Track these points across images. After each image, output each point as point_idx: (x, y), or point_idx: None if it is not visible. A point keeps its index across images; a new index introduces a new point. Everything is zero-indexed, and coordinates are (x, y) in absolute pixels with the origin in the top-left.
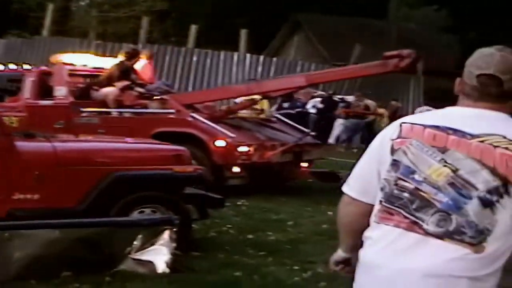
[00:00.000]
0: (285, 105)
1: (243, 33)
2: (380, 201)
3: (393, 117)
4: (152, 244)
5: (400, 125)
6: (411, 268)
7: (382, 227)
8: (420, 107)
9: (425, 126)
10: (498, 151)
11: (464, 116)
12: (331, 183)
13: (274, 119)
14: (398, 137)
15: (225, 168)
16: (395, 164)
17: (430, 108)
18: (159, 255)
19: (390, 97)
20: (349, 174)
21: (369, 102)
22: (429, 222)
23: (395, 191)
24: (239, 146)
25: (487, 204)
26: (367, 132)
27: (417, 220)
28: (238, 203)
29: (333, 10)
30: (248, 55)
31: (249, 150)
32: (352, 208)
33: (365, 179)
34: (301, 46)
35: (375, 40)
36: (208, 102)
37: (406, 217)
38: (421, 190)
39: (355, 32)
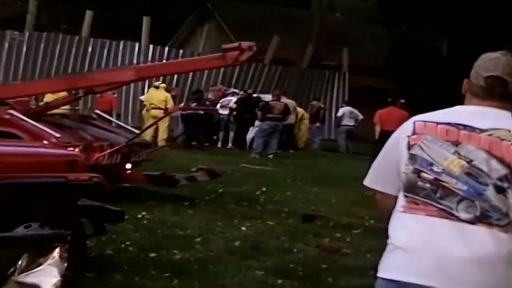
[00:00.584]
0: (193, 104)
1: (146, 20)
2: (404, 193)
3: (315, 119)
4: (40, 264)
5: (414, 123)
6: (454, 253)
7: (413, 216)
8: (343, 108)
9: (437, 123)
10: (505, 143)
11: (472, 113)
12: (168, 188)
13: (95, 116)
14: (414, 134)
15: None
16: (412, 157)
17: (353, 110)
18: (48, 277)
19: (312, 95)
20: (191, 178)
21: (289, 101)
22: (459, 209)
23: (419, 183)
24: (64, 147)
25: (500, 190)
26: (285, 136)
27: (445, 208)
28: (139, 216)
29: None
30: (151, 46)
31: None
32: (388, 201)
33: (384, 173)
34: (212, 36)
35: (296, 31)
36: (25, 96)
37: (434, 206)
38: (441, 180)
39: (273, 22)
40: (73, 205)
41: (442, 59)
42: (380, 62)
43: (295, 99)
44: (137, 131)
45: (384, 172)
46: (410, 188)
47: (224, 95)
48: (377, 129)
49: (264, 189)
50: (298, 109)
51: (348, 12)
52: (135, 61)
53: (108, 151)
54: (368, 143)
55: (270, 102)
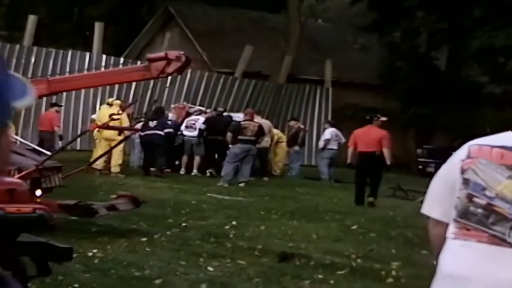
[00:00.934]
0: (151, 124)
1: (98, 26)
2: (455, 219)
3: (293, 141)
4: None
5: (469, 147)
6: (505, 280)
7: (463, 243)
8: (329, 129)
9: (492, 146)
10: None
11: None
12: (85, 218)
13: None
14: (467, 158)
15: None
16: (466, 182)
17: (338, 132)
18: None
19: (290, 114)
20: (111, 206)
21: (263, 121)
22: (511, 234)
23: (471, 208)
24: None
25: None
26: (259, 161)
27: (497, 234)
28: (89, 253)
29: (217, 0)
30: (104, 56)
31: None
32: (440, 230)
33: (442, 200)
34: (174, 45)
35: (271, 40)
36: None
37: (485, 232)
38: (494, 205)
39: (245, 30)
40: (13, 242)
41: (440, 71)
42: (369, 75)
43: (271, 119)
44: (49, 153)
45: (442, 198)
46: (462, 214)
47: (188, 114)
48: (350, 150)
49: (234, 223)
50: (274, 130)
51: (331, 18)
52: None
53: (16, 176)
54: (349, 169)
55: (242, 123)
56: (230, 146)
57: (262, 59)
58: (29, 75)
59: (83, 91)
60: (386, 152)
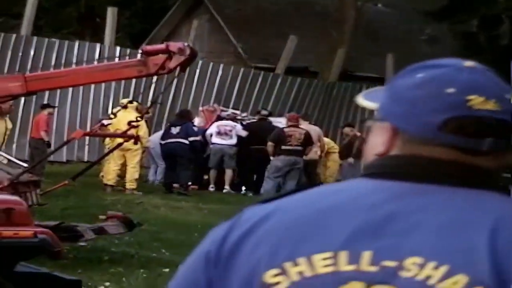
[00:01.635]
0: (174, 130)
1: (111, 12)
2: None
3: (347, 152)
4: None
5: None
6: None
7: None
8: None
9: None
10: None
11: None
12: (68, 242)
13: None
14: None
15: None
16: None
17: None
18: None
19: (343, 119)
20: (99, 229)
21: (312, 128)
22: None
23: None
24: None
25: None
26: (307, 176)
27: None
28: (101, 287)
29: None
30: (117, 48)
31: None
32: None
33: None
34: (204, 35)
35: (321, 29)
36: None
37: None
38: None
39: (288, 17)
40: (8, 272)
41: None
42: None
43: (320, 125)
44: (25, 165)
45: None
46: None
47: (220, 119)
48: None
49: None
50: (325, 139)
51: (394, 3)
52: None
53: None
54: None
55: (285, 129)
56: (272, 158)
57: (309, 52)
58: (28, 68)
59: (91, 90)
60: None
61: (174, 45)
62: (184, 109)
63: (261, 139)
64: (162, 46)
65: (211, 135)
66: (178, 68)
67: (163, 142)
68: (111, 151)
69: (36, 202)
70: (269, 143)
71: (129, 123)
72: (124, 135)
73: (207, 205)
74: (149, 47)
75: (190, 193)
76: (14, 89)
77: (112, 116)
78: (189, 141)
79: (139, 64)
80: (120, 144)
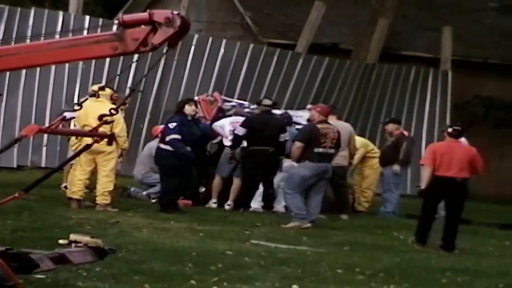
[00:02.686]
0: (171, 125)
1: None
2: None
3: (390, 157)
4: None
5: None
6: None
7: None
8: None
9: None
10: None
11: None
12: (19, 273)
13: None
14: None
15: None
16: None
17: (466, 142)
18: None
19: (385, 114)
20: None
21: (340, 124)
22: None
23: None
24: None
25: None
26: (331, 189)
27: None
28: None
29: None
30: (86, 18)
31: None
32: None
33: None
34: (201, 1)
35: None
36: None
37: None
38: None
39: None
40: None
41: None
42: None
43: (353, 120)
44: None
45: None
46: None
47: (221, 111)
48: (425, 172)
49: (295, 287)
50: (360, 139)
51: None
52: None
53: None
54: (485, 202)
55: (319, 126)
56: (294, 164)
57: (340, 25)
58: None
59: (51, 74)
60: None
61: (159, 14)
62: (180, 101)
63: (265, 138)
64: (144, 15)
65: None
66: (165, 45)
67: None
68: (77, 154)
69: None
70: (298, 144)
71: (101, 117)
72: (94, 133)
73: (204, 226)
74: (127, 17)
75: (182, 208)
76: None
77: (77, 107)
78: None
79: (113, 39)
80: (89, 146)
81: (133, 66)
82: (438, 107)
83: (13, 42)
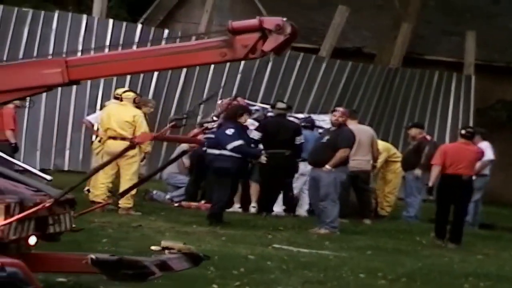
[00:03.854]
0: (230, 132)
1: None
2: None
3: (412, 161)
4: None
5: None
6: None
7: None
8: (482, 143)
9: None
10: None
11: None
12: (132, 281)
13: None
14: None
15: None
16: None
17: (490, 147)
18: None
19: (408, 118)
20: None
21: (361, 128)
22: None
23: None
24: None
25: None
26: (355, 192)
27: None
28: None
29: None
30: (110, 22)
31: None
32: None
33: None
34: (224, 6)
35: (379, 0)
36: None
37: None
38: None
39: None
40: None
41: None
42: None
43: (376, 125)
44: (49, 178)
45: None
46: None
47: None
48: (434, 171)
49: None
50: (383, 143)
51: None
52: (79, 49)
53: (20, 215)
54: (508, 207)
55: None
56: (331, 168)
57: (364, 29)
58: None
59: None
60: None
61: (269, 21)
62: (239, 108)
63: (280, 142)
64: (253, 21)
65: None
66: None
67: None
68: (116, 157)
69: (69, 227)
70: (348, 151)
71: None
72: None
73: (226, 230)
74: (237, 23)
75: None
76: (51, 78)
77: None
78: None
79: (222, 45)
80: (130, 147)
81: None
82: (461, 112)
83: (81, 51)
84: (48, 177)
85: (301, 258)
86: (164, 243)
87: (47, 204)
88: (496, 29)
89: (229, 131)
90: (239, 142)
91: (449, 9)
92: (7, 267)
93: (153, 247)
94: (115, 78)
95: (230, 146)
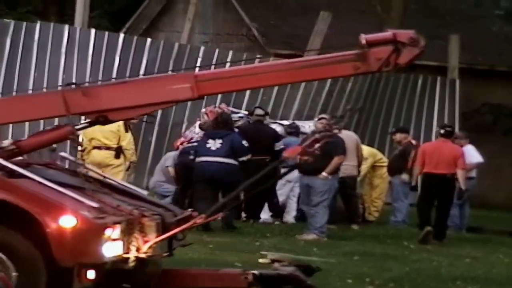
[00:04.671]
0: (213, 144)
1: None
2: None
3: (398, 166)
4: None
5: None
6: None
7: None
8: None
9: None
10: None
11: None
12: None
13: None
14: None
15: (75, 275)
16: None
17: (475, 150)
18: None
19: (393, 123)
20: None
21: (347, 134)
22: None
23: None
24: (105, 226)
25: None
26: (342, 198)
27: None
28: None
29: None
30: (92, 31)
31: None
32: None
33: None
34: (207, 13)
35: (362, 2)
36: None
37: None
38: None
39: None
40: None
41: None
42: None
43: (361, 130)
44: (141, 190)
45: None
46: None
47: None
48: (415, 171)
49: None
50: (367, 148)
51: None
52: (62, 59)
53: (174, 231)
54: (495, 210)
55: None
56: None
57: (347, 34)
58: None
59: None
60: (460, 174)
61: (403, 34)
62: (224, 113)
63: (260, 148)
64: (387, 35)
65: None
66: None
67: (197, 159)
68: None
69: (186, 242)
70: (343, 158)
71: None
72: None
73: (213, 238)
74: (370, 37)
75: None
76: (181, 93)
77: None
78: (239, 162)
79: (355, 59)
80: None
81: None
82: (447, 116)
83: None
84: (142, 191)
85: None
86: (271, 256)
87: (199, 221)
88: (479, 32)
89: (245, 143)
90: (250, 156)
91: (432, 13)
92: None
93: (261, 260)
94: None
95: (245, 158)
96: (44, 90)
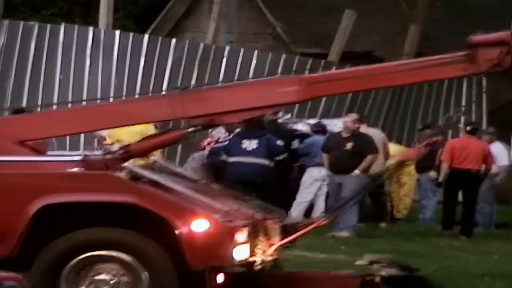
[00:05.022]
0: (248, 145)
1: None
2: None
3: (426, 163)
4: None
5: None
6: None
7: None
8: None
9: None
10: None
11: None
12: None
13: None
14: None
15: (207, 278)
16: None
17: (506, 148)
18: None
19: (421, 121)
20: None
21: (372, 132)
22: None
23: None
24: (235, 230)
25: None
26: (369, 197)
27: None
28: None
29: None
30: (116, 33)
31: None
32: None
33: None
34: (231, 13)
35: (387, 1)
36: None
37: None
38: None
39: None
40: None
41: None
42: None
43: (389, 127)
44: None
45: None
46: None
47: None
48: (443, 166)
49: None
50: (394, 146)
51: None
52: (87, 62)
53: (298, 233)
54: None
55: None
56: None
57: (372, 33)
58: None
59: (84, 87)
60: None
61: None
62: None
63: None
64: (498, 36)
65: None
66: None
67: (230, 160)
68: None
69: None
70: (375, 156)
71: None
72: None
73: None
74: (480, 38)
75: None
76: (288, 96)
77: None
78: (275, 161)
79: (463, 60)
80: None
81: (166, 77)
82: (474, 112)
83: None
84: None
85: (318, 264)
86: (367, 257)
87: (323, 223)
88: (504, 29)
89: (280, 142)
90: (286, 155)
91: (457, 10)
92: (5, 281)
93: (358, 262)
94: (124, 89)
95: (281, 157)
96: (70, 92)
